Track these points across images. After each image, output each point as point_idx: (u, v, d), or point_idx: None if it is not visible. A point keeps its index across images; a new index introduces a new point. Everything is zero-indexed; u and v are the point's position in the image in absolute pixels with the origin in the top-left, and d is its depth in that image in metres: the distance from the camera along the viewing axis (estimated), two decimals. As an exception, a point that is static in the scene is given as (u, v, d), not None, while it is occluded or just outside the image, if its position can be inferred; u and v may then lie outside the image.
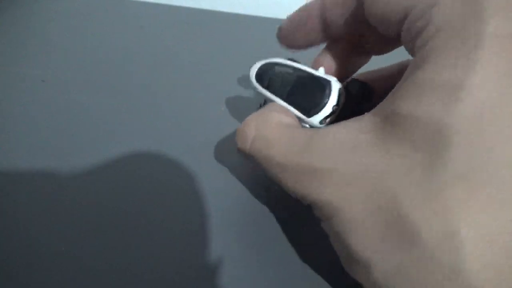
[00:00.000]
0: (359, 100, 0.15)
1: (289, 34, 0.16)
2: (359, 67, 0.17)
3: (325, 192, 0.11)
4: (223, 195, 0.17)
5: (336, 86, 0.14)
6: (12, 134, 0.19)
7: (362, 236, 0.10)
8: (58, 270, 0.14)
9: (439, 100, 0.10)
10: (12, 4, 0.30)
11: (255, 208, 0.16)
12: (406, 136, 0.10)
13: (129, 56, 0.25)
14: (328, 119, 0.14)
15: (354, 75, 0.17)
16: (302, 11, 0.16)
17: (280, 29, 0.16)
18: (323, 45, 0.17)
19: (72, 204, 0.16)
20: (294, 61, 0.15)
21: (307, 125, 0.15)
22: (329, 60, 0.16)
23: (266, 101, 0.16)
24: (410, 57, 0.13)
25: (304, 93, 0.14)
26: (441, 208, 0.09)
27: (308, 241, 0.15)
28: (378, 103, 0.12)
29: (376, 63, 0.17)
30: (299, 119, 0.14)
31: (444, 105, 0.09)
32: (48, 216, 0.15)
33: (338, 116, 0.14)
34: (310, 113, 0.14)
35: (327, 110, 0.14)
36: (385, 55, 0.16)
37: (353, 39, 0.16)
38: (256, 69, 0.16)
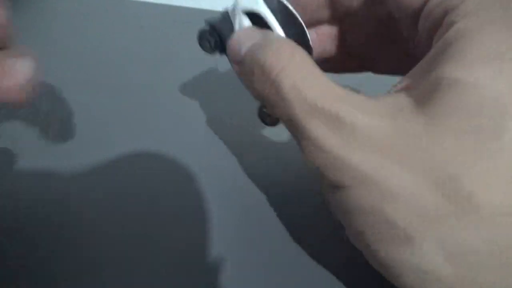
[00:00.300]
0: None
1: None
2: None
3: (363, 151, 0.10)
4: (223, 195, 0.17)
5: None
6: (12, 134, 0.19)
7: (407, 206, 0.10)
8: (58, 269, 0.14)
9: (494, 70, 0.09)
10: (12, 4, 0.30)
11: (255, 208, 0.16)
12: (455, 103, 0.09)
13: (129, 56, 0.25)
14: None
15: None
16: None
17: None
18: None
19: (72, 204, 0.16)
20: None
21: None
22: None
23: (237, 23, 0.14)
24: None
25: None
26: (501, 179, 0.09)
27: (309, 241, 0.15)
28: None
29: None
30: None
31: (501, 74, 0.09)
32: (48, 216, 0.15)
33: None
34: None
35: None
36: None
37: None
38: None
